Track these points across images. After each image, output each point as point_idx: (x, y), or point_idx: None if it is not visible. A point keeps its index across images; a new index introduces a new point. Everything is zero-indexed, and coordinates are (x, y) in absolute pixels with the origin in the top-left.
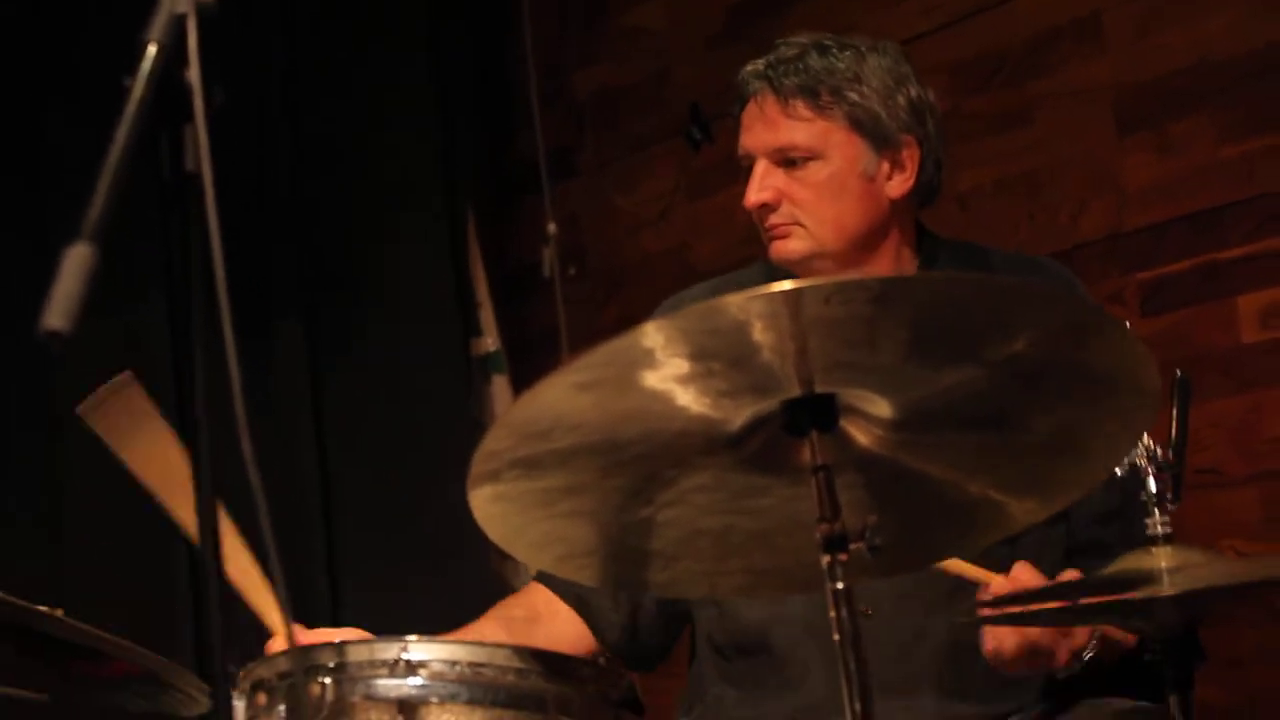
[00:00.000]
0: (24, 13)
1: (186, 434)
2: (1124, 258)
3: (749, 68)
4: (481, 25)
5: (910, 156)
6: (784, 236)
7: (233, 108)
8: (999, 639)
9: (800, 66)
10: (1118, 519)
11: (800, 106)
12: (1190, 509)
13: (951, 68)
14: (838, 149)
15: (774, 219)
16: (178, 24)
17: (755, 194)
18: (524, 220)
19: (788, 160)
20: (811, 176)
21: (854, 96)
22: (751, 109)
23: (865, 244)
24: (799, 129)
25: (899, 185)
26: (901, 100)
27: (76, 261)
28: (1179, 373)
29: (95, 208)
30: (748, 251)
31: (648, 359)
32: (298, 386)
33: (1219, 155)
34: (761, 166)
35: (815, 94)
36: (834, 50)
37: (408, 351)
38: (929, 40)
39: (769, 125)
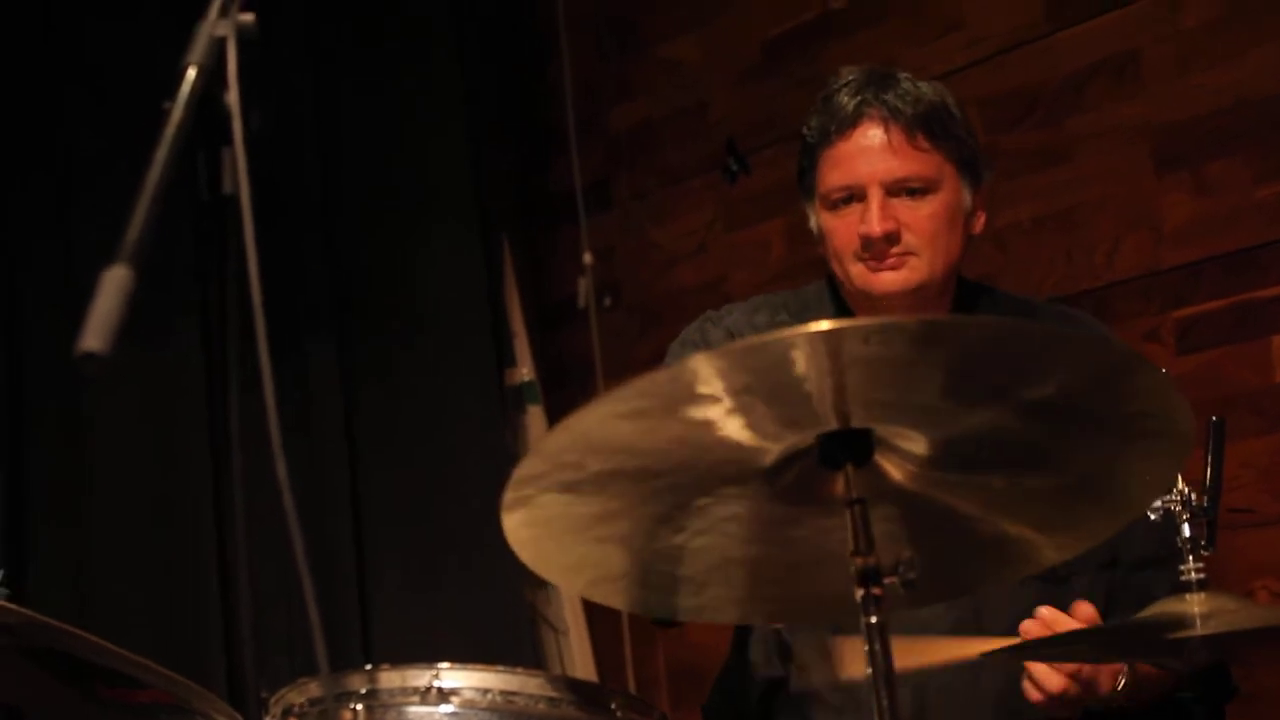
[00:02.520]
0: (40, 22)
1: (221, 458)
2: (1159, 296)
3: (850, 95)
4: (518, 57)
5: (984, 196)
6: (896, 268)
7: (264, 136)
8: (1041, 682)
9: (911, 97)
10: (1161, 565)
11: (921, 138)
12: (1222, 549)
13: (989, 103)
14: (948, 182)
15: (893, 250)
16: (217, 47)
17: (881, 223)
18: (560, 251)
19: (905, 191)
20: (927, 208)
21: (956, 132)
22: (863, 138)
23: (949, 282)
24: (921, 160)
25: (978, 224)
26: (976, 138)
27: (114, 283)
28: (1214, 418)
29: (133, 230)
30: (784, 285)
31: (688, 392)
32: (330, 413)
33: (1255, 196)
34: (879, 196)
35: (930, 126)
36: (921, 84)
37: (441, 380)
38: (967, 75)
39: (893, 154)
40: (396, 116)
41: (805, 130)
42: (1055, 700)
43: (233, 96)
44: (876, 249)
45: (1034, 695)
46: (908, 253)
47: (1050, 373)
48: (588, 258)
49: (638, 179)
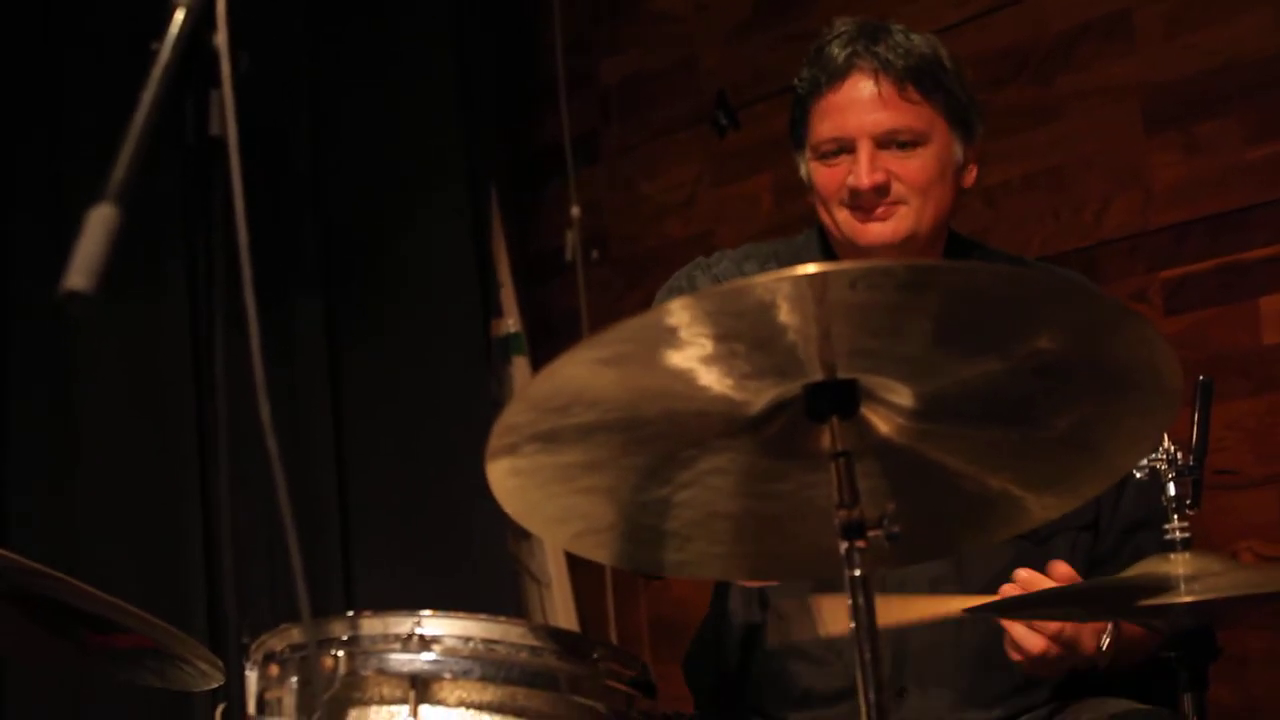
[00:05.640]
0: None
1: (205, 404)
2: (1148, 256)
3: (841, 47)
4: (509, 8)
5: (977, 149)
6: (884, 219)
7: (254, 84)
8: (1021, 644)
9: (903, 49)
10: (1146, 528)
11: (912, 90)
12: (1208, 511)
13: (980, 61)
14: (939, 135)
15: (882, 200)
16: None
17: (870, 175)
18: (548, 204)
19: (894, 143)
20: (917, 160)
21: (948, 85)
22: (853, 90)
23: (939, 234)
24: (912, 112)
25: (969, 177)
26: (970, 91)
27: (99, 222)
28: (1201, 377)
29: (119, 169)
30: (772, 239)
31: (671, 337)
32: (317, 365)
33: (1245, 157)
34: (868, 148)
35: (921, 78)
36: (913, 36)
37: (428, 331)
38: (958, 32)
39: (883, 107)
40: (386, 69)
41: (797, 81)
42: (1037, 661)
43: (221, 38)
44: (865, 201)
45: (1015, 656)
46: (897, 202)
47: (1039, 322)
48: (575, 210)
49: (627, 132)
